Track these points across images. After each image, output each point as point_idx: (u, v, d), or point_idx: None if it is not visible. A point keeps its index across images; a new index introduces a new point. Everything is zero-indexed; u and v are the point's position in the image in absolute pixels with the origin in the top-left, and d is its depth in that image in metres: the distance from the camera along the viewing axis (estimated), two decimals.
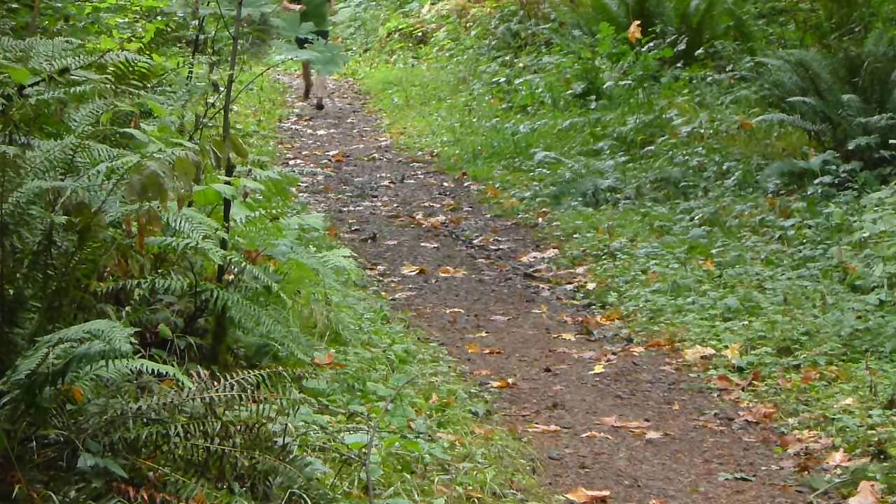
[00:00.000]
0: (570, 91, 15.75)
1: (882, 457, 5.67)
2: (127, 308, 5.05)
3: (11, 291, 4.22)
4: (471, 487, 5.10)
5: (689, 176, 11.78)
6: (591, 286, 9.23)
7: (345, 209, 12.28)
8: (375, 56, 23.50)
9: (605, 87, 15.43)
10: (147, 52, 6.81)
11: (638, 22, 16.12)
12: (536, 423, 6.36)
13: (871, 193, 9.60)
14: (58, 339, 3.83)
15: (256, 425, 4.32)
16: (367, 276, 9.41)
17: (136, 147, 4.82)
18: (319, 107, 18.91)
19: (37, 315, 4.23)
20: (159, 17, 10.96)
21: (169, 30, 7.72)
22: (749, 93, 13.81)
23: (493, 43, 19.99)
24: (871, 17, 14.48)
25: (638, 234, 10.33)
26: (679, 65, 15.67)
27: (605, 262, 9.75)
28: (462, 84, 18.90)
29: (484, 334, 8.18)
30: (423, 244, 10.88)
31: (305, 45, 7.08)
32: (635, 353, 7.68)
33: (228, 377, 4.36)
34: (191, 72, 8.15)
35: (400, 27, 23.68)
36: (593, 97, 15.39)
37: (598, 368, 7.36)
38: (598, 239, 10.36)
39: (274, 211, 6.27)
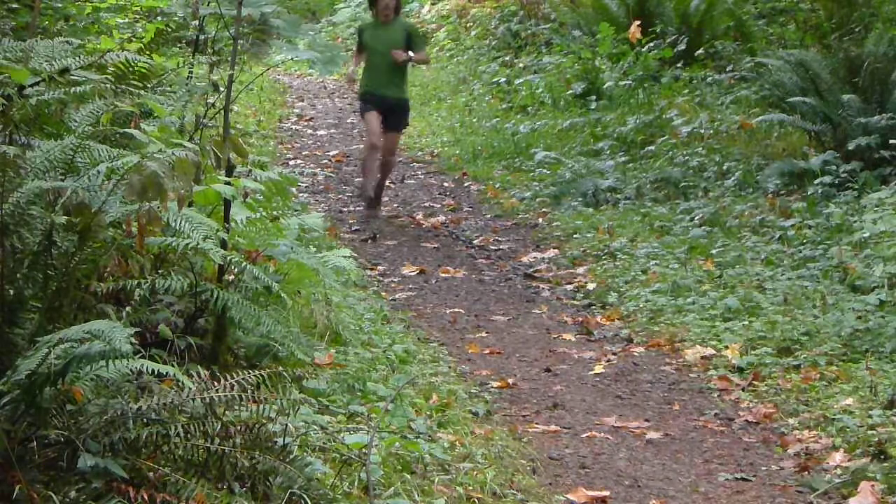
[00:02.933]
0: (571, 91, 15.75)
1: (882, 457, 5.67)
2: (127, 308, 5.05)
3: (11, 291, 4.22)
4: (471, 488, 5.10)
5: (690, 176, 11.78)
6: (591, 286, 9.23)
7: (345, 209, 12.28)
8: None
9: (605, 87, 15.43)
10: (147, 53, 6.81)
11: (638, 22, 16.12)
12: (536, 424, 6.36)
13: (872, 194, 9.60)
14: (58, 340, 3.83)
15: (257, 425, 4.32)
16: (367, 276, 9.41)
17: (136, 147, 4.82)
18: (369, 200, 11.62)
19: (37, 315, 4.23)
20: (159, 18, 10.96)
21: (169, 30, 7.70)
22: (749, 93, 13.82)
23: (493, 43, 19.98)
24: (871, 18, 14.48)
25: (638, 234, 10.34)
26: (679, 65, 15.67)
27: (605, 262, 9.76)
28: (462, 84, 18.91)
29: (484, 334, 8.18)
30: (423, 244, 10.88)
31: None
32: (635, 354, 7.68)
33: (228, 377, 4.36)
34: (191, 72, 8.15)
35: None
36: (593, 97, 15.39)
37: (599, 368, 7.36)
38: (598, 239, 10.36)
39: (274, 211, 6.27)
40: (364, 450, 4.87)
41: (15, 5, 8.26)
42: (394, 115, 11.26)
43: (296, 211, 9.07)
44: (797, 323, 7.56)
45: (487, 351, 7.75)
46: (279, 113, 18.66)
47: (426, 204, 12.57)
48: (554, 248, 10.50)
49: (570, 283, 9.44)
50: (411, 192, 13.22)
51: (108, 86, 5.37)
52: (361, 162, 11.96)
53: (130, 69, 5.76)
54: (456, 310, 8.78)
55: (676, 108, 13.93)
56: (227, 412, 4.40)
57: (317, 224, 7.30)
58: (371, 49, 11.24)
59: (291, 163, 14.37)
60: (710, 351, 7.46)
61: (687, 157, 12.29)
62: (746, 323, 7.77)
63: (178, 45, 9.97)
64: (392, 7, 11.23)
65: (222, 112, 5.82)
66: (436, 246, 10.82)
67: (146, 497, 3.94)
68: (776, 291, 8.25)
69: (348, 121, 18.33)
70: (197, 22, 8.33)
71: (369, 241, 10.92)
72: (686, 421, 6.47)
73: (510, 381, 7.08)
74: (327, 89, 21.52)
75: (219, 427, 4.23)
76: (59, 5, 9.19)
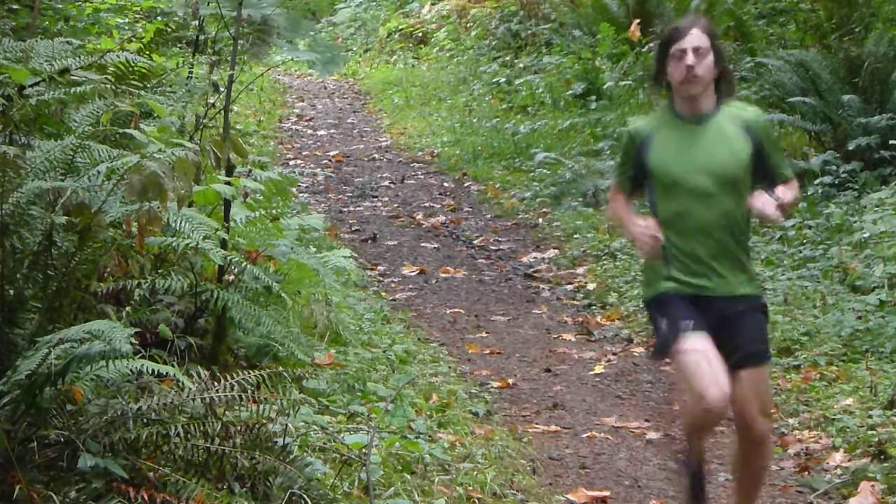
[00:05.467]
0: (571, 91, 15.75)
1: (882, 457, 5.67)
2: (127, 308, 5.05)
3: (12, 291, 4.22)
4: (471, 488, 5.10)
5: None
6: (591, 286, 9.23)
7: (345, 209, 12.28)
8: (376, 56, 23.50)
9: (605, 87, 15.43)
10: (147, 53, 6.81)
11: (638, 22, 16.12)
12: (537, 424, 6.36)
13: (872, 194, 9.60)
14: (58, 340, 3.83)
15: (257, 426, 4.32)
16: (367, 276, 9.41)
17: (136, 147, 4.82)
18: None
19: (37, 315, 4.23)
20: (159, 18, 10.96)
21: (169, 30, 7.71)
22: (749, 93, 13.79)
23: (493, 43, 19.98)
24: (871, 18, 14.47)
25: None
26: None
27: (605, 262, 9.75)
28: (462, 84, 18.90)
29: (484, 335, 8.18)
30: (423, 244, 10.88)
31: None
32: (635, 354, 7.68)
33: (229, 377, 4.36)
34: (191, 72, 8.15)
35: (400, 27, 23.68)
36: (593, 97, 15.39)
37: (599, 369, 7.36)
38: (598, 239, 10.36)
39: (274, 211, 6.28)
40: (364, 450, 4.87)
41: (15, 6, 8.25)
42: (736, 325, 4.75)
43: (296, 211, 9.08)
44: (797, 323, 7.56)
45: (487, 351, 7.75)
46: (279, 113, 18.66)
47: (426, 204, 12.57)
48: (554, 248, 10.50)
49: (570, 283, 9.44)
50: (412, 192, 13.22)
51: (108, 86, 5.37)
52: (685, 435, 4.93)
53: (130, 69, 5.77)
54: (456, 310, 8.78)
55: None
56: (227, 412, 4.40)
57: (317, 224, 7.30)
58: (673, 184, 4.74)
59: (291, 163, 14.37)
60: None
61: None
62: None
63: (178, 45, 9.97)
64: (708, 72, 4.74)
65: (222, 112, 5.82)
66: (436, 246, 10.82)
67: (146, 497, 3.94)
68: (776, 291, 8.25)
69: (348, 121, 18.34)
70: (197, 22, 8.33)
71: (369, 242, 10.93)
72: None
73: (510, 381, 7.08)
74: (327, 89, 21.53)
75: (219, 427, 4.23)
76: (60, 6, 9.18)
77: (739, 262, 4.66)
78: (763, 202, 4.54)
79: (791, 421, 6.31)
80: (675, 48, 4.67)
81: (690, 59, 4.62)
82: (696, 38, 4.67)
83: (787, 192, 4.60)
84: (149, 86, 6.01)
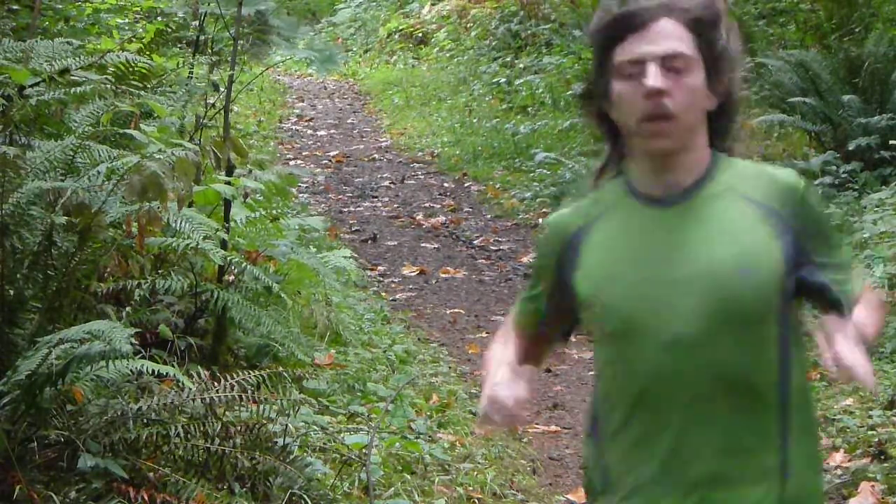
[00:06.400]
0: (571, 91, 15.76)
1: (882, 457, 5.67)
2: (127, 308, 5.05)
3: (12, 292, 4.22)
4: (471, 488, 5.10)
5: None
6: None
7: (345, 210, 12.28)
8: (376, 57, 23.51)
9: None
10: (147, 53, 6.82)
11: None
12: (537, 424, 6.36)
13: (872, 194, 9.60)
14: (58, 340, 3.83)
15: (257, 426, 4.33)
16: (367, 276, 9.41)
17: (136, 147, 4.82)
18: None
19: (37, 315, 4.23)
20: (159, 18, 10.96)
21: (169, 30, 7.72)
22: (749, 93, 13.80)
23: (493, 43, 19.99)
24: (871, 18, 14.47)
25: None
26: None
27: None
28: (462, 85, 18.91)
29: (484, 335, 8.17)
30: (423, 245, 10.88)
31: None
32: None
33: (229, 378, 4.37)
34: (191, 72, 8.15)
35: (400, 28, 23.68)
36: None
37: None
38: None
39: (274, 211, 6.28)
40: (364, 450, 4.87)
41: (15, 6, 8.26)
42: None
43: (296, 211, 9.08)
44: None
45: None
46: (279, 113, 18.66)
47: (426, 204, 12.57)
48: None
49: None
50: (411, 192, 13.23)
51: (108, 86, 5.37)
52: None
53: (130, 69, 5.78)
54: (456, 310, 8.78)
55: None
56: (227, 412, 4.40)
57: (317, 224, 7.31)
58: (626, 326, 2.38)
59: (291, 163, 14.37)
60: None
61: None
62: None
63: (178, 45, 9.98)
64: (692, 107, 2.36)
65: (222, 112, 5.82)
66: (436, 246, 10.82)
67: (146, 497, 3.94)
68: None
69: (348, 121, 18.33)
70: (197, 22, 8.34)
71: (369, 242, 10.93)
72: None
73: None
74: (327, 90, 21.53)
75: (219, 427, 4.24)
76: (60, 6, 9.18)
77: (771, 463, 2.33)
78: (844, 355, 2.30)
79: None
80: (622, 55, 2.36)
81: (654, 78, 2.32)
82: (666, 34, 2.33)
83: (865, 317, 2.42)
84: (149, 86, 6.02)
